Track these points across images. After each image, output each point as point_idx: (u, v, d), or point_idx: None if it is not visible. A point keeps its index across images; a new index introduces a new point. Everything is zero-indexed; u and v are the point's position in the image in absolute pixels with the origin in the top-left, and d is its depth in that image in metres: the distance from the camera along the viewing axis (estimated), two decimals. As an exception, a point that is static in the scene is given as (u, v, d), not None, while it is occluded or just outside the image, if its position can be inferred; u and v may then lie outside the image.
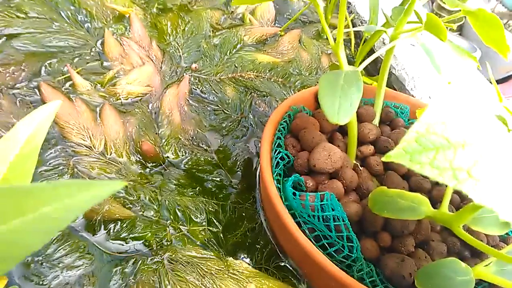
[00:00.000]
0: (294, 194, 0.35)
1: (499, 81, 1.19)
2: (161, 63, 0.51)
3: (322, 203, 0.34)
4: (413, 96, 0.57)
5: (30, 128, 0.23)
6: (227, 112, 0.49)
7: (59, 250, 0.33)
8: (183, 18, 0.57)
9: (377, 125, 0.47)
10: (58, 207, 0.13)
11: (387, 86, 0.60)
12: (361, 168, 0.41)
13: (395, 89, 0.60)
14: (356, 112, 0.48)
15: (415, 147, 0.23)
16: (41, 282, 0.31)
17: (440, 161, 0.22)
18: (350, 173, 0.39)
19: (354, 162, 0.42)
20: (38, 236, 0.13)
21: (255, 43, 0.59)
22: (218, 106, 0.49)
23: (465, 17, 1.18)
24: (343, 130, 0.45)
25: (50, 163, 0.38)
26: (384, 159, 0.23)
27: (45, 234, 0.13)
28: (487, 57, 1.16)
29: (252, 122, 0.49)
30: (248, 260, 0.38)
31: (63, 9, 0.51)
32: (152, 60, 0.50)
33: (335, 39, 0.36)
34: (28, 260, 0.32)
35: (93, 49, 0.49)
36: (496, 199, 0.21)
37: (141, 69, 0.48)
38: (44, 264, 0.32)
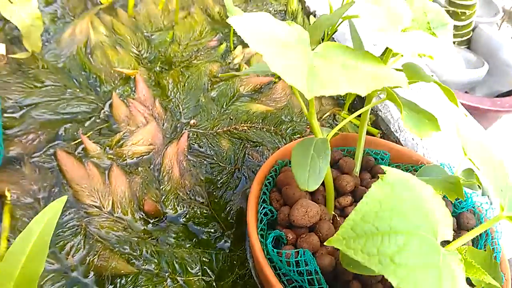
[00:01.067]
0: (273, 250, 0.40)
1: (505, 94, 1.20)
2: (163, 120, 0.57)
3: (296, 259, 0.39)
4: (398, 137, 0.61)
5: (41, 225, 0.29)
6: (222, 164, 0.54)
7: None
8: (183, 74, 0.63)
9: (358, 174, 0.52)
10: None
11: (374, 127, 0.64)
12: (339, 219, 0.46)
13: (382, 130, 0.64)
14: (338, 163, 0.52)
15: (350, 234, 0.28)
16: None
17: (369, 247, 0.27)
18: (326, 226, 0.43)
19: (333, 213, 0.46)
20: None
21: (250, 93, 0.65)
22: (214, 159, 0.54)
23: (473, 30, 1.20)
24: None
25: (66, 225, 0.44)
26: (326, 243, 0.28)
27: None
28: (495, 70, 1.18)
29: (245, 173, 0.54)
30: (238, 305, 0.43)
31: (75, 75, 0.58)
32: (155, 118, 0.56)
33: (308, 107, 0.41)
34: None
35: (102, 112, 0.55)
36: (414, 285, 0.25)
37: (145, 129, 0.54)
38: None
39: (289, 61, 0.32)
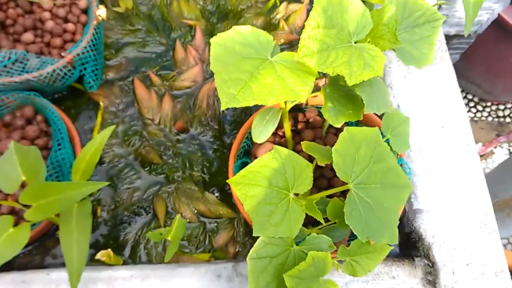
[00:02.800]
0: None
1: None
2: (208, 63, 0.80)
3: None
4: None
5: (99, 139, 0.58)
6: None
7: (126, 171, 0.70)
8: (232, 25, 0.83)
9: (326, 129, 0.70)
10: (70, 194, 0.47)
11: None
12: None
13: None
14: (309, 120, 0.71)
15: (240, 180, 0.51)
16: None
17: (247, 193, 0.50)
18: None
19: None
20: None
21: (283, 45, 0.83)
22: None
23: None
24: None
25: (131, 128, 0.74)
26: (228, 180, 0.52)
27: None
28: None
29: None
30: (217, 194, 0.70)
31: (156, 22, 0.83)
32: (202, 61, 0.80)
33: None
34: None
35: (168, 53, 0.81)
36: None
37: (193, 69, 0.78)
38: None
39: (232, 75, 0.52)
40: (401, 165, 0.67)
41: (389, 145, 0.63)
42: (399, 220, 0.71)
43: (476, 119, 1.91)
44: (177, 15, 0.84)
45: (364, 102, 0.54)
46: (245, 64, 0.52)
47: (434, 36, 0.64)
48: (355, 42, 0.56)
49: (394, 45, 0.60)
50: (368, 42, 0.60)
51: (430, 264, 0.65)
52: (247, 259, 0.48)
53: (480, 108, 1.88)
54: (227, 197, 0.71)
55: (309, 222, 0.63)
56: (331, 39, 0.54)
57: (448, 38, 1.30)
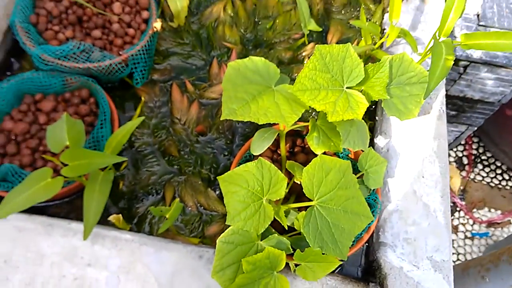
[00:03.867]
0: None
1: None
2: (236, 82, 0.94)
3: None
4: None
5: (128, 126, 0.73)
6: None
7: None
8: (264, 55, 0.97)
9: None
10: (97, 161, 0.62)
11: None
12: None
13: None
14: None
15: (224, 178, 0.64)
16: (138, 168, 0.84)
17: (229, 189, 0.63)
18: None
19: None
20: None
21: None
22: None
23: None
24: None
25: (160, 124, 0.89)
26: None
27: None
28: None
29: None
30: (218, 192, 0.83)
31: (202, 39, 0.99)
32: (232, 79, 0.94)
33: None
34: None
35: (205, 68, 0.96)
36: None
37: (220, 85, 0.92)
38: (142, 162, 0.85)
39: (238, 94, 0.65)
40: (374, 199, 0.77)
41: (362, 179, 0.74)
42: (367, 247, 0.81)
43: (500, 186, 1.94)
44: (220, 37, 0.99)
45: (341, 137, 0.66)
46: (251, 88, 0.65)
47: (422, 95, 0.74)
48: (347, 88, 0.68)
49: (381, 97, 0.71)
50: (362, 90, 0.72)
51: (382, 291, 0.74)
52: (217, 241, 0.61)
53: (506, 177, 1.90)
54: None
55: (284, 231, 0.74)
56: (324, 81, 0.66)
57: (473, 102, 1.37)
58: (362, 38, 0.93)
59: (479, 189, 2.02)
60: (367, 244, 0.84)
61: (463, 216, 1.95)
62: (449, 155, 2.06)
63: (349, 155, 0.82)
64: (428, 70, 0.68)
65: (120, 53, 0.87)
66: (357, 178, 0.74)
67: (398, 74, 0.75)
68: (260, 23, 1.02)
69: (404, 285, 0.74)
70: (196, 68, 0.96)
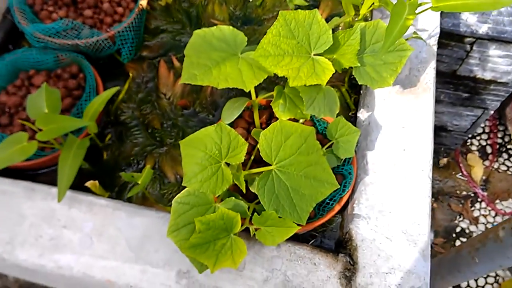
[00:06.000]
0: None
1: None
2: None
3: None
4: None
5: (106, 94, 0.75)
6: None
7: (133, 131, 0.88)
8: (252, 32, 0.98)
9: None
10: (67, 124, 0.65)
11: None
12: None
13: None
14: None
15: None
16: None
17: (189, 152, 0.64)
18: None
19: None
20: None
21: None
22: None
23: None
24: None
25: (146, 98, 0.91)
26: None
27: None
28: None
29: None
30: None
31: (192, 18, 1.01)
32: (218, 56, 0.95)
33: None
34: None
35: (193, 44, 0.98)
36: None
37: (208, 60, 0.94)
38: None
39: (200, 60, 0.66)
40: (348, 172, 0.76)
41: (331, 149, 0.73)
42: (341, 221, 0.80)
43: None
44: (209, 15, 1.00)
45: (305, 103, 0.65)
46: (215, 55, 0.66)
47: (399, 64, 0.73)
48: (314, 54, 0.67)
49: (352, 64, 0.70)
50: (333, 58, 0.71)
51: (352, 263, 0.73)
52: (172, 201, 0.62)
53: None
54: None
55: (253, 200, 0.75)
56: (289, 47, 0.66)
57: (485, 82, 1.31)
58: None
59: (503, 180, 1.93)
60: (341, 217, 0.83)
61: (485, 207, 1.88)
62: (472, 144, 1.99)
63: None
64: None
65: (107, 30, 0.91)
66: (327, 147, 0.74)
67: (372, 41, 0.73)
68: (250, 0, 1.03)
69: (375, 257, 0.73)
70: (184, 45, 0.96)
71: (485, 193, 1.90)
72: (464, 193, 1.90)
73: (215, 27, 0.69)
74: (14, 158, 0.67)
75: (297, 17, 0.68)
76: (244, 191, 0.65)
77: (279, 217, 0.62)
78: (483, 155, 1.97)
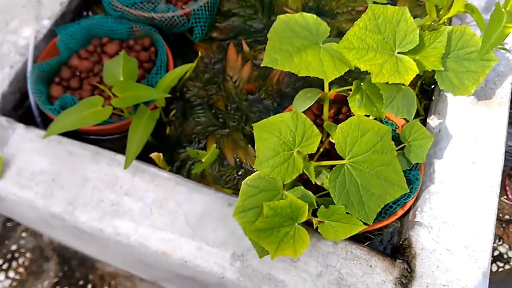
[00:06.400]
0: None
1: None
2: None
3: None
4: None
5: (179, 71, 0.76)
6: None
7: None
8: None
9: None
10: (144, 94, 0.66)
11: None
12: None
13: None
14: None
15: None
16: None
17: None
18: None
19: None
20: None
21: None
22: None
23: None
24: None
25: (213, 79, 0.91)
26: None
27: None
28: None
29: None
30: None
31: (264, 4, 1.00)
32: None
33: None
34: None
35: (264, 31, 0.97)
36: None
37: (278, 48, 0.93)
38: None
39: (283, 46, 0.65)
40: (416, 177, 0.74)
41: (403, 151, 0.71)
42: (401, 226, 0.79)
43: None
44: (282, 3, 0.99)
45: (384, 101, 0.64)
46: (297, 42, 0.66)
47: (482, 73, 0.71)
48: (398, 53, 0.66)
49: (435, 67, 0.68)
50: (416, 58, 0.69)
51: (409, 270, 0.71)
52: (242, 183, 0.62)
53: None
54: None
55: (315, 192, 0.74)
56: (374, 42, 0.65)
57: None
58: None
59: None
60: (399, 222, 0.81)
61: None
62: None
63: (397, 130, 0.79)
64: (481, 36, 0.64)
65: (183, 7, 0.91)
66: (398, 150, 0.72)
67: (457, 47, 0.71)
68: (326, -7, 1.02)
69: (434, 267, 0.71)
70: (254, 30, 0.98)
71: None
72: (507, 217, 1.83)
73: (298, 14, 0.68)
74: (89, 120, 0.68)
75: (386, 12, 0.66)
76: (314, 181, 0.64)
77: (347, 213, 0.61)
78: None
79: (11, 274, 1.30)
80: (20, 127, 0.80)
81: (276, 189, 0.63)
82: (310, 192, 0.63)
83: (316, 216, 0.63)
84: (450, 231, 0.74)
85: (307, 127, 0.63)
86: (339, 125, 0.62)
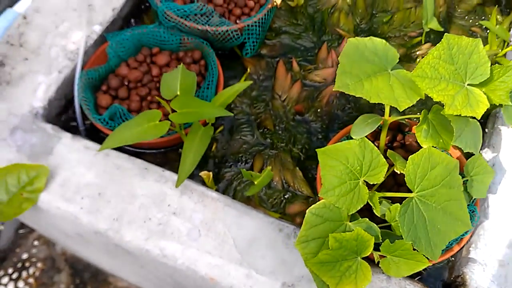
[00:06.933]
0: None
1: None
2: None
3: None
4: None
5: (234, 89, 0.74)
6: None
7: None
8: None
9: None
10: (205, 111, 0.64)
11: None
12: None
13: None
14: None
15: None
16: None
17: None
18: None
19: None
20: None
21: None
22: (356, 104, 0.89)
23: None
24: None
25: (260, 97, 0.90)
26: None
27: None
28: None
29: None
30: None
31: (316, 22, 0.98)
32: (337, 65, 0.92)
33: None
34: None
35: (313, 50, 0.95)
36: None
37: (327, 69, 0.91)
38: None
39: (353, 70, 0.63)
40: (472, 211, 0.71)
41: (465, 185, 0.69)
42: (453, 262, 0.76)
43: None
44: (334, 23, 0.98)
45: (454, 134, 0.62)
46: (367, 67, 0.64)
47: (548, 108, 0.68)
48: (468, 84, 0.64)
49: (503, 102, 0.66)
50: (483, 91, 0.67)
51: (464, 309, 0.68)
52: (306, 211, 0.60)
53: None
54: (311, 179, 0.83)
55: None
56: (446, 73, 0.63)
57: None
58: (487, 45, 0.88)
59: None
60: (453, 258, 0.78)
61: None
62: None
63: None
64: None
65: (237, 22, 0.90)
66: (460, 184, 0.70)
67: (528, 83, 0.69)
68: (377, 15, 1.00)
69: (490, 308, 0.68)
70: (304, 49, 0.96)
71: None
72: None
73: (368, 38, 0.66)
74: (147, 135, 0.66)
75: (460, 43, 0.64)
76: (379, 213, 0.61)
77: (414, 249, 0.58)
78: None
79: (21, 284, 1.24)
80: (66, 136, 0.78)
81: (340, 220, 0.60)
82: (375, 225, 0.61)
83: (377, 250, 0.61)
84: (505, 270, 0.70)
85: (374, 156, 0.61)
86: (411, 156, 0.59)
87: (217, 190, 0.81)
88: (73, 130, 0.85)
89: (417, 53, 0.95)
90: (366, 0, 1.01)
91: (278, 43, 0.97)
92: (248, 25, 0.87)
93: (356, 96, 0.60)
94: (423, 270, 0.78)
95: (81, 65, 0.84)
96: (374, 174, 0.60)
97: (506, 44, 0.89)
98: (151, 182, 0.74)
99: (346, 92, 0.60)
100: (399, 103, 0.61)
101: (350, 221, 0.61)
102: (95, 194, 0.73)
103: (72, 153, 0.76)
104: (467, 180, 0.69)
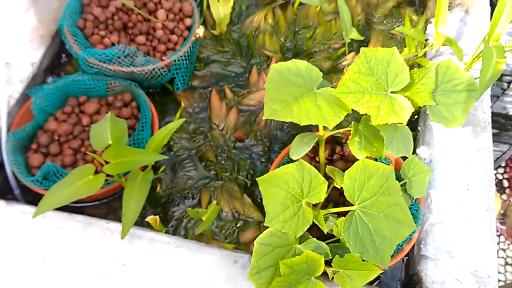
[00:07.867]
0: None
1: None
2: (275, 89, 0.94)
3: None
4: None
5: (168, 128, 0.73)
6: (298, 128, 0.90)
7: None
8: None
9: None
10: (139, 158, 0.62)
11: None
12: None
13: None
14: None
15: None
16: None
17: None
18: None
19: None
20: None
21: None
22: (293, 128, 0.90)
23: None
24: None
25: (198, 129, 0.89)
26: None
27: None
28: None
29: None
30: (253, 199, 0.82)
31: (242, 48, 1.00)
32: (270, 87, 0.94)
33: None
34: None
35: (244, 75, 0.96)
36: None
37: (260, 92, 0.93)
38: (180, 166, 0.85)
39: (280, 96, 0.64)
40: (416, 210, 0.74)
41: (405, 187, 0.71)
42: (407, 261, 0.78)
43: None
44: (260, 46, 1.00)
45: (385, 142, 0.64)
46: (293, 90, 0.65)
47: (470, 103, 0.72)
48: (391, 92, 0.66)
49: (427, 103, 0.69)
50: (406, 96, 0.70)
51: (424, 306, 0.71)
52: (254, 242, 0.60)
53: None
54: (260, 204, 0.83)
55: (321, 237, 0.72)
56: (368, 85, 0.65)
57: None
58: (405, 47, 0.92)
59: (521, 214, 1.92)
60: (407, 257, 0.80)
61: (503, 241, 1.86)
62: (490, 177, 1.98)
63: (390, 164, 0.79)
64: (477, 77, 0.66)
65: (163, 58, 0.89)
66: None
67: (444, 81, 0.72)
68: (300, 32, 1.03)
69: (447, 301, 0.71)
70: (235, 75, 0.97)
71: (504, 227, 1.89)
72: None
73: (290, 61, 0.68)
74: (82, 192, 0.64)
75: (377, 55, 0.67)
76: (326, 231, 0.62)
77: (363, 260, 0.60)
78: (500, 189, 1.97)
79: None
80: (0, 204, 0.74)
81: (289, 244, 0.61)
82: (324, 243, 0.62)
83: (330, 266, 0.62)
84: (456, 260, 0.74)
85: (313, 176, 0.62)
86: (346, 171, 0.61)
87: (166, 232, 0.79)
88: (8, 195, 0.81)
89: (343, 63, 0.98)
90: (287, 19, 1.03)
91: (208, 72, 0.97)
92: (174, 60, 0.87)
93: (286, 121, 0.61)
94: (381, 274, 0.80)
95: (7, 127, 0.81)
96: (315, 194, 0.61)
97: (423, 44, 0.94)
98: (96, 236, 0.71)
99: (276, 119, 0.61)
100: (328, 121, 0.62)
101: (299, 243, 0.62)
102: (39, 260, 0.69)
103: (7, 220, 0.73)
104: (405, 182, 0.72)
